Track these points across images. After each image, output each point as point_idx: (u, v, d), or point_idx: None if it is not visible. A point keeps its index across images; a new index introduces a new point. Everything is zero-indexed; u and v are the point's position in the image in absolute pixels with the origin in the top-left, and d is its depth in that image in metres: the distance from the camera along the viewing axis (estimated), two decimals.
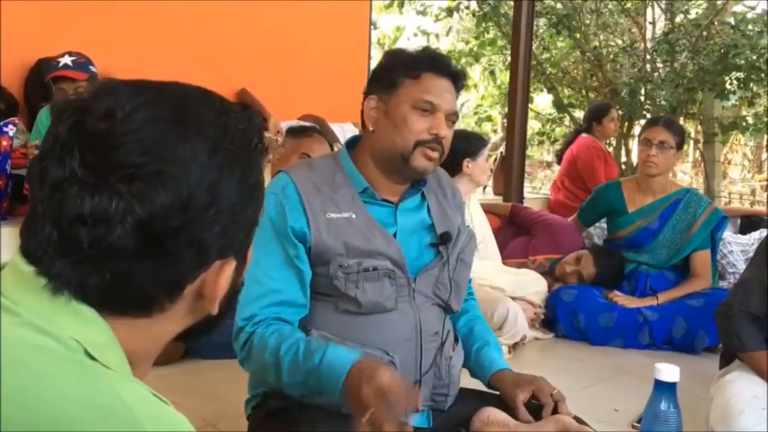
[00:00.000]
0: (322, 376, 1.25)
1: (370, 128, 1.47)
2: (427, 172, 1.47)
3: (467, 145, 3.19)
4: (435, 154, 1.43)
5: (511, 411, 1.46)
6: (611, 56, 8.57)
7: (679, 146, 3.32)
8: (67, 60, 3.25)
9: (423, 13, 10.39)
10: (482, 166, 3.26)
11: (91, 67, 3.30)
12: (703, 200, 3.42)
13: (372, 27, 6.65)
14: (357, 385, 1.17)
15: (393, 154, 1.44)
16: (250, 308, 1.39)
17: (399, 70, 1.44)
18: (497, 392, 1.55)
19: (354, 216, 1.43)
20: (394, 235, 1.46)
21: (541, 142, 10.01)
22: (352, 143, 1.55)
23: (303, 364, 1.29)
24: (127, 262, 0.62)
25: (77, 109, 0.63)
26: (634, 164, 6.82)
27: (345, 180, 1.47)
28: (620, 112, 7.16)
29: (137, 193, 0.60)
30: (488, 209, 4.09)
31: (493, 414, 1.43)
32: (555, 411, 1.44)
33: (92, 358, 0.61)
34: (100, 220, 0.60)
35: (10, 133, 3.31)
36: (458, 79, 1.48)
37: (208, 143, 0.65)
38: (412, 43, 10.33)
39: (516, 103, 5.17)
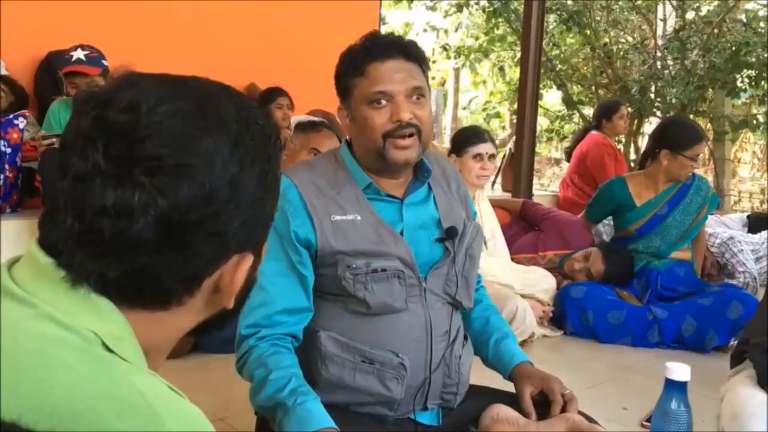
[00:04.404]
0: (292, 418, 1.26)
1: (349, 138, 1.48)
2: (409, 162, 1.40)
3: (456, 139, 3.18)
4: (407, 141, 1.37)
5: (521, 408, 1.45)
6: (621, 53, 8.54)
7: None
8: (80, 54, 3.24)
9: (432, 8, 10.40)
10: (468, 166, 3.03)
11: (103, 61, 3.30)
12: (708, 184, 3.61)
13: (381, 22, 6.64)
14: None
15: (372, 155, 1.41)
16: (253, 316, 1.38)
17: (347, 75, 1.41)
18: (508, 389, 1.54)
19: (359, 218, 1.40)
20: (401, 233, 1.43)
21: (550, 139, 9.99)
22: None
23: (281, 395, 1.29)
24: (148, 254, 0.62)
25: (100, 102, 0.63)
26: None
27: (348, 178, 1.44)
28: (630, 109, 7.13)
29: (160, 186, 0.60)
30: (500, 204, 4.09)
31: (502, 411, 1.42)
32: (563, 410, 1.43)
33: (109, 350, 0.61)
34: (123, 212, 0.60)
35: (21, 126, 3.33)
36: (409, 51, 1.39)
37: (231, 137, 0.65)
38: (420, 39, 10.32)
39: (525, 99, 5.16)
